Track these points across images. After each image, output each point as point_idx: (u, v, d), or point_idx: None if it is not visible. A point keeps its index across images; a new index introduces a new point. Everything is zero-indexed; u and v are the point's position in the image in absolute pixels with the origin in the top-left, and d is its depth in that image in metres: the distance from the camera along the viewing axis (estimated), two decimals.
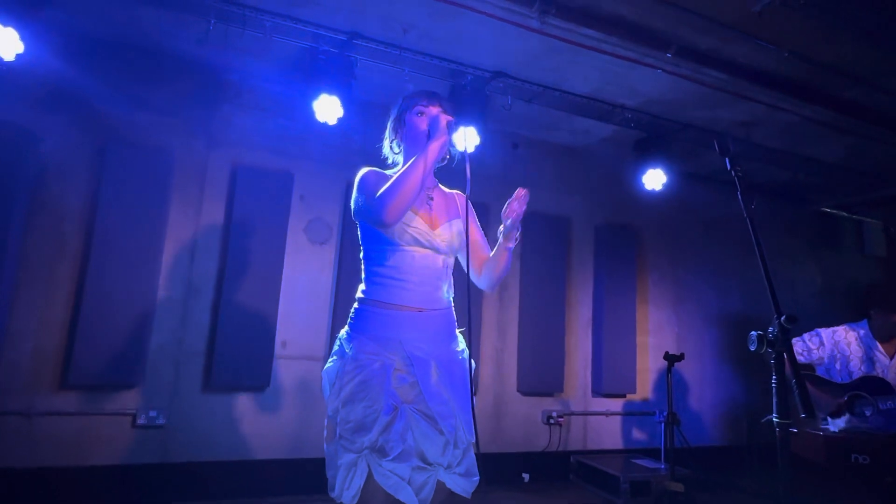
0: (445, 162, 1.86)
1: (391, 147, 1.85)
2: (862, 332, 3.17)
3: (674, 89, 3.65)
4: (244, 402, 3.49)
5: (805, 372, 3.18)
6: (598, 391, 4.58)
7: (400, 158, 1.83)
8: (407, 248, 1.65)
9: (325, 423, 1.63)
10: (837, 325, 3.27)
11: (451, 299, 1.77)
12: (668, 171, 4.16)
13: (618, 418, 4.66)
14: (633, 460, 4.22)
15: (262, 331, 3.51)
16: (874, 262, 6.31)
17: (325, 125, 3.31)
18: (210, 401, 3.41)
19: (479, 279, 1.82)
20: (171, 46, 3.41)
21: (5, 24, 2.61)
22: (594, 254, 4.79)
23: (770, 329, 1.28)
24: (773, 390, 1.28)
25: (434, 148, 1.62)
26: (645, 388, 4.79)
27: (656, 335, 4.93)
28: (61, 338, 3.13)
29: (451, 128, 1.64)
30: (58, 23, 3.14)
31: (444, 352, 1.67)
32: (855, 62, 3.27)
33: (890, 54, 3.13)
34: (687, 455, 4.16)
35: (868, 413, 2.81)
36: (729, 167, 1.48)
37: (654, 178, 4.17)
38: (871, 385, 2.88)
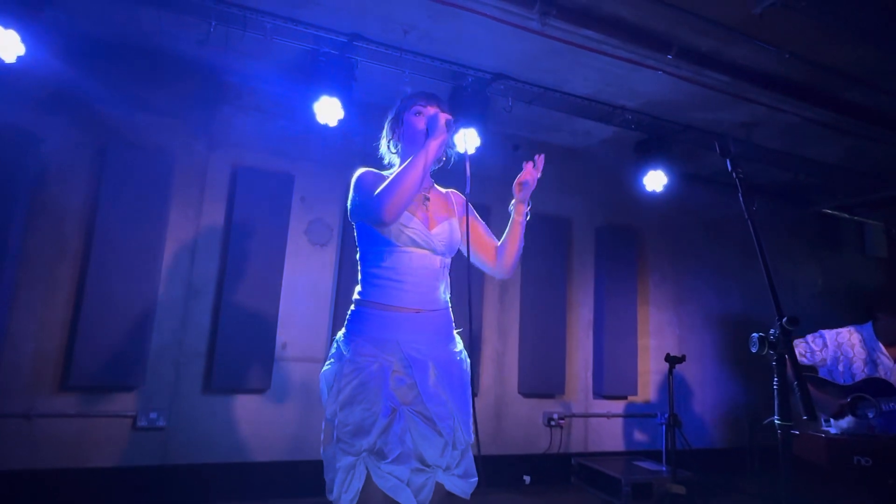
0: (442, 163, 1.86)
1: (388, 147, 1.85)
2: (865, 333, 3.16)
3: (674, 91, 3.64)
4: (245, 404, 3.48)
5: (807, 374, 3.17)
6: (599, 393, 4.57)
7: (396, 159, 1.83)
8: (404, 248, 1.64)
9: (323, 427, 1.62)
10: (839, 326, 3.26)
11: (449, 300, 1.76)
12: (668, 173, 4.15)
13: (619, 420, 4.65)
14: (635, 462, 4.21)
15: (263, 332, 3.51)
16: (875, 263, 6.30)
17: (325, 127, 3.31)
18: (210, 402, 3.40)
19: (497, 267, 1.83)
20: (172, 48, 3.41)
21: (6, 27, 2.62)
22: (595, 255, 4.79)
23: (771, 331, 1.28)
24: (775, 392, 1.28)
25: (434, 145, 1.62)
26: (646, 389, 4.78)
27: (657, 337, 4.92)
28: (61, 339, 3.13)
29: (449, 126, 1.64)
30: (59, 24, 3.14)
31: (441, 353, 1.66)
32: (855, 63, 3.26)
33: (890, 55, 3.12)
34: (688, 457, 4.14)
35: (871, 415, 2.80)
36: (730, 168, 1.47)
37: (655, 180, 4.17)
38: (874, 387, 2.87)
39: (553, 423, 4.32)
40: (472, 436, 1.64)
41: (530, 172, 1.74)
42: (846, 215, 5.92)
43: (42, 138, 3.17)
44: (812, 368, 3.26)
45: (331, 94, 3.17)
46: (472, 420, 1.64)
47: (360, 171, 1.73)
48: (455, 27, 3.05)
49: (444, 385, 1.61)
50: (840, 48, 3.11)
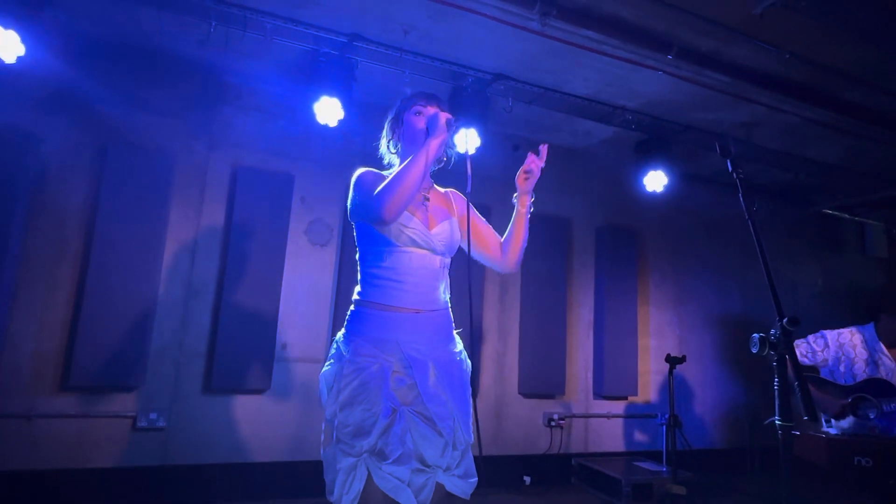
0: (442, 164, 1.86)
1: (388, 147, 1.85)
2: (867, 334, 3.16)
3: (674, 91, 3.64)
4: (245, 404, 3.48)
5: (808, 374, 3.17)
6: (599, 393, 4.57)
7: (396, 159, 1.83)
8: (404, 248, 1.64)
9: (323, 427, 1.62)
10: (839, 326, 3.26)
11: (448, 300, 1.76)
12: (669, 173, 4.15)
13: (619, 420, 4.65)
14: (635, 463, 4.21)
15: (263, 332, 3.51)
16: (876, 263, 6.30)
17: (325, 127, 3.31)
18: (210, 403, 3.40)
19: (502, 261, 1.82)
20: (172, 48, 3.41)
21: (6, 27, 2.62)
22: (595, 255, 4.79)
23: (772, 331, 1.28)
24: (776, 393, 1.28)
25: (434, 144, 1.61)
26: (646, 390, 4.77)
27: (658, 337, 4.91)
28: (62, 339, 3.13)
29: (450, 126, 1.63)
30: (58, 24, 3.13)
31: (441, 353, 1.66)
32: (856, 63, 3.26)
33: (890, 55, 3.12)
34: (689, 457, 4.14)
35: (872, 415, 2.80)
36: (730, 169, 1.47)
37: (655, 180, 4.16)
38: (876, 387, 2.87)
39: (553, 423, 4.32)
40: (472, 436, 1.64)
41: (535, 162, 1.74)
42: (846, 215, 5.92)
43: (42, 138, 3.16)
44: (814, 369, 3.26)
45: (331, 94, 3.17)
46: (472, 420, 1.64)
47: (360, 170, 1.73)
48: (455, 27, 3.05)
49: (444, 385, 1.61)
50: (840, 48, 3.10)
